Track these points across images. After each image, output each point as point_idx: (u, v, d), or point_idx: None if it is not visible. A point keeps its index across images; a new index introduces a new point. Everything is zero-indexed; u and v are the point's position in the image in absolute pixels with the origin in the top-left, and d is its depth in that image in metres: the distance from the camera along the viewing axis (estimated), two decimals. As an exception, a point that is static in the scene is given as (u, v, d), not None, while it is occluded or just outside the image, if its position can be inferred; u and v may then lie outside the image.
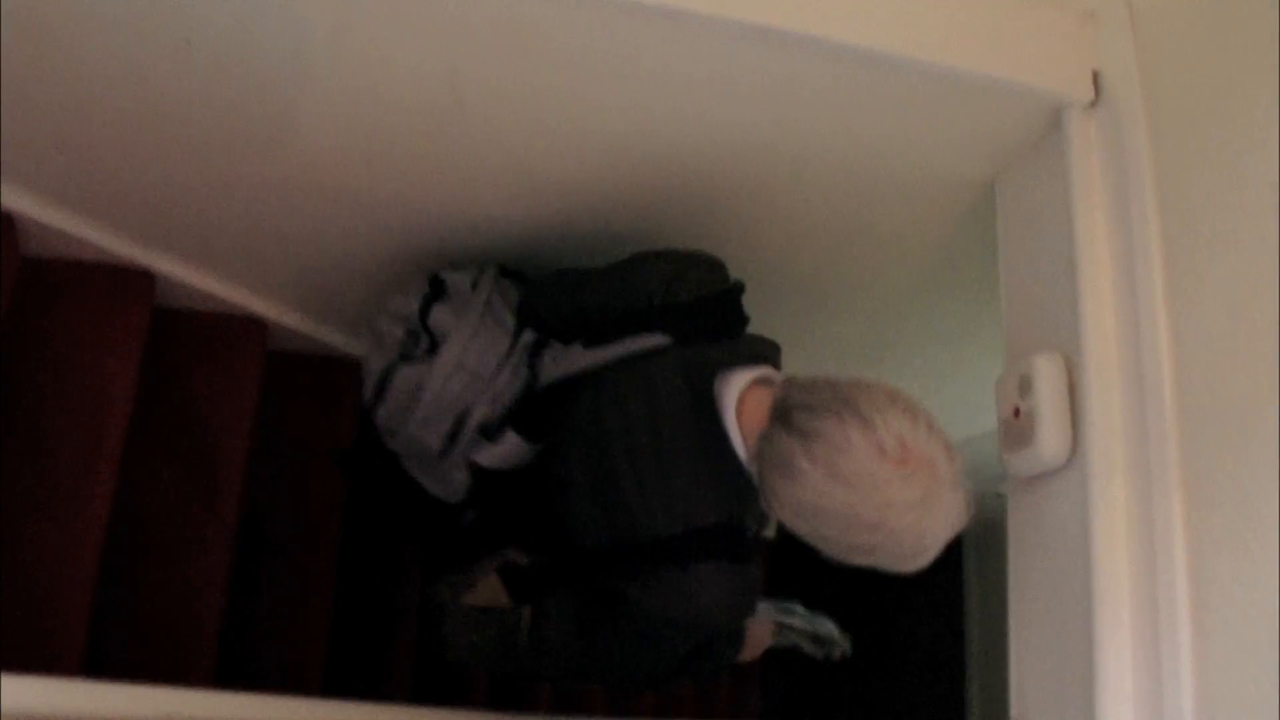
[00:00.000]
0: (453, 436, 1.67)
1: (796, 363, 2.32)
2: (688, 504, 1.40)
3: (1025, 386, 1.33)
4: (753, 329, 1.63)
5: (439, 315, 1.71)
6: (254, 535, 2.06)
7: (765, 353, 1.54)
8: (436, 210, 1.75)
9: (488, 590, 1.67)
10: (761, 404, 1.34)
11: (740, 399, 1.38)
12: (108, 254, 1.83)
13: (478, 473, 1.66)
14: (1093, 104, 1.36)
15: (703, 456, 1.40)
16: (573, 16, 1.24)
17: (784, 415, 1.28)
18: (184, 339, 2.02)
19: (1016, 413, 1.35)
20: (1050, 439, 1.29)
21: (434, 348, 1.70)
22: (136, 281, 1.86)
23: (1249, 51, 1.16)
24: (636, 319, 1.55)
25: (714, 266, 1.64)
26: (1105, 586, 1.19)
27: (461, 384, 1.66)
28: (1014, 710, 1.36)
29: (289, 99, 1.43)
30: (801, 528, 1.27)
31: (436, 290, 1.75)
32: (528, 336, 1.68)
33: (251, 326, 2.07)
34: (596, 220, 1.77)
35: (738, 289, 1.62)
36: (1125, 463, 1.22)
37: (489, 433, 1.64)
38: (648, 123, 1.48)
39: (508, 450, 1.63)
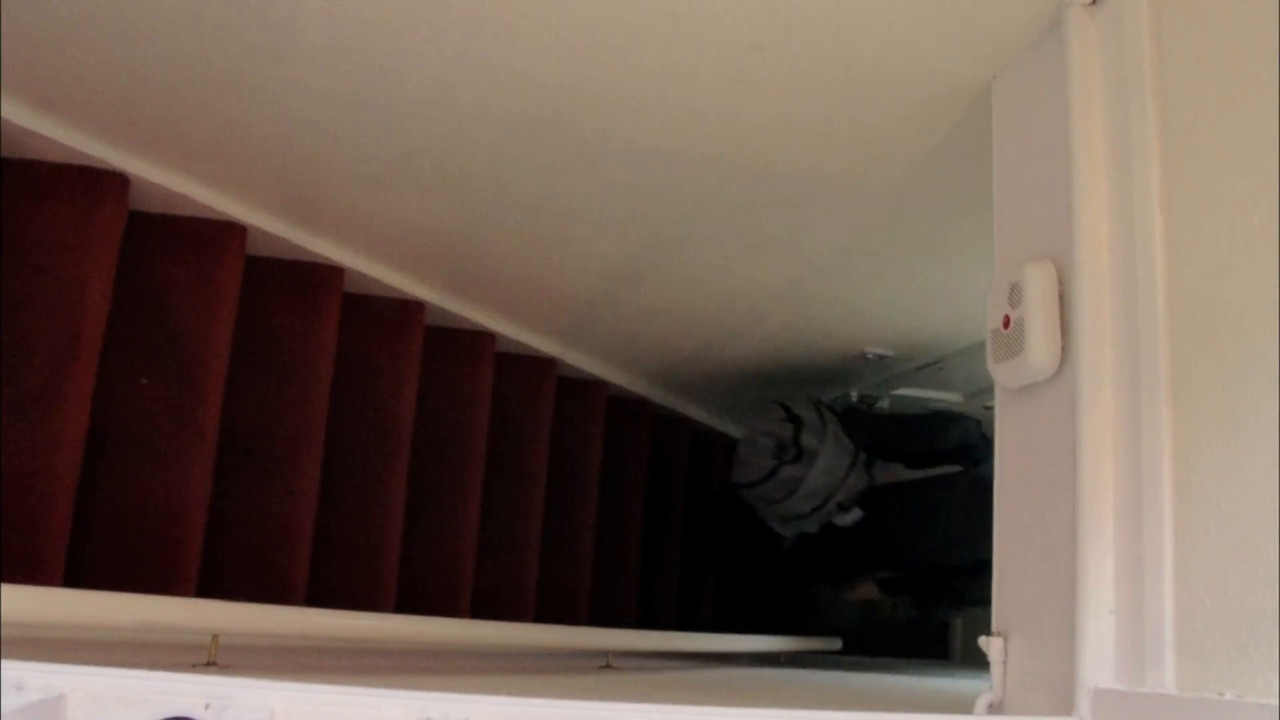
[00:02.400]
0: (817, 508, 2.97)
1: (789, 268, 2.31)
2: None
3: (1016, 295, 1.30)
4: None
5: (806, 438, 2.96)
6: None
7: None
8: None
9: (867, 590, 3.25)
10: None
11: None
12: (80, 155, 1.78)
13: (827, 527, 3.03)
14: (1094, 2, 1.31)
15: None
16: None
17: None
18: (162, 244, 1.98)
19: (1006, 322, 1.32)
20: (1039, 349, 1.26)
21: (798, 456, 2.94)
22: (110, 184, 1.82)
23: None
24: (941, 456, 2.93)
25: (980, 423, 2.92)
26: (1090, 499, 1.17)
27: (826, 481, 2.93)
28: (995, 626, 1.35)
29: None
30: None
31: (796, 421, 2.98)
32: (863, 455, 2.99)
33: (230, 231, 2.03)
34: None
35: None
36: (1114, 373, 1.19)
37: (845, 508, 2.96)
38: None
39: (854, 518, 2.98)
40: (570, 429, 3.09)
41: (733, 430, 3.91)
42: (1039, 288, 1.27)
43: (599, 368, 3.17)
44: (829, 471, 2.91)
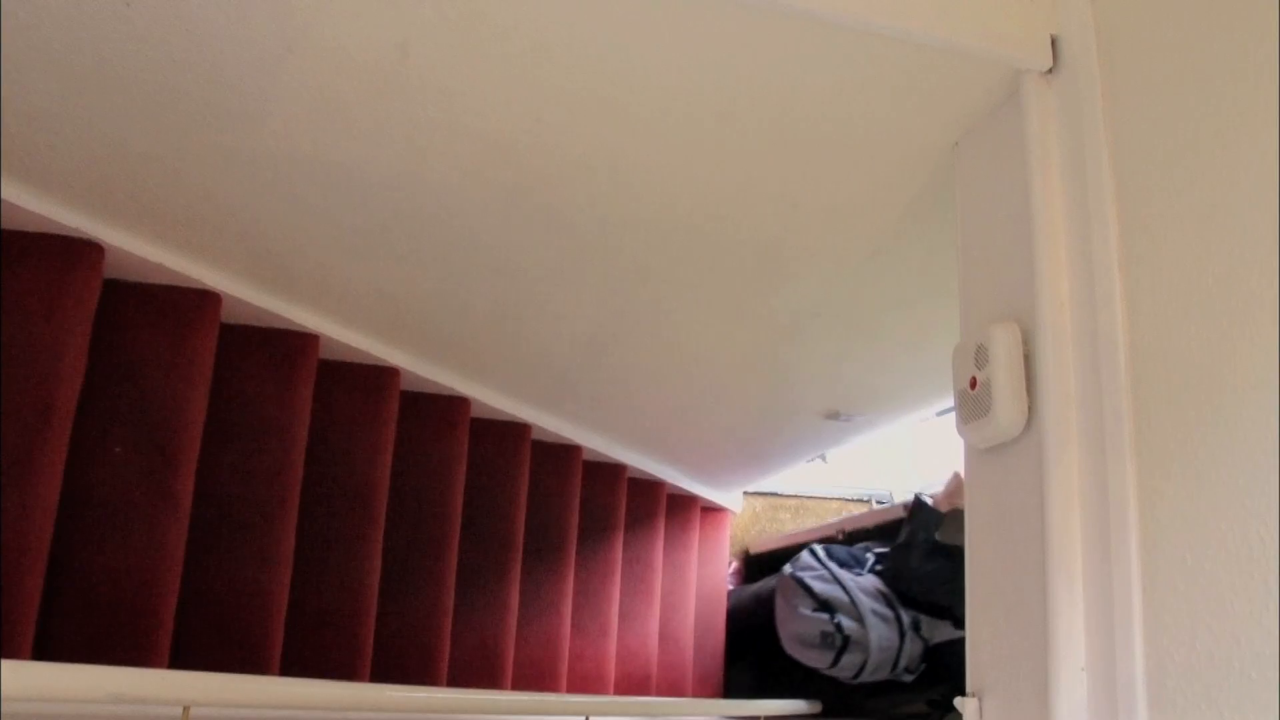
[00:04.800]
0: (892, 668, 2.99)
1: (760, 330, 2.33)
2: None
3: (982, 357, 1.32)
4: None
5: (844, 622, 2.95)
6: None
7: None
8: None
9: (915, 706, 3.19)
10: None
11: None
12: (56, 225, 1.79)
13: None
14: (1050, 70, 1.35)
15: None
16: None
17: None
18: (137, 312, 1.98)
19: (974, 384, 1.34)
20: (1006, 409, 1.27)
21: (846, 644, 2.94)
22: (85, 253, 1.83)
23: (1205, 18, 1.15)
24: None
25: None
26: (1059, 557, 1.18)
27: (886, 654, 2.95)
28: (970, 687, 1.35)
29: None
30: None
31: (829, 609, 2.98)
32: (906, 616, 2.98)
33: (205, 300, 2.04)
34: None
35: None
36: (1080, 432, 1.20)
37: (911, 669, 3.02)
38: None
39: (915, 675, 3.03)
40: (546, 493, 3.08)
41: (713, 494, 3.92)
42: (1004, 349, 1.29)
43: (574, 432, 3.17)
44: (884, 648, 2.98)
